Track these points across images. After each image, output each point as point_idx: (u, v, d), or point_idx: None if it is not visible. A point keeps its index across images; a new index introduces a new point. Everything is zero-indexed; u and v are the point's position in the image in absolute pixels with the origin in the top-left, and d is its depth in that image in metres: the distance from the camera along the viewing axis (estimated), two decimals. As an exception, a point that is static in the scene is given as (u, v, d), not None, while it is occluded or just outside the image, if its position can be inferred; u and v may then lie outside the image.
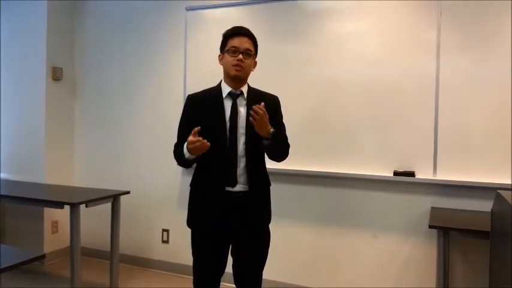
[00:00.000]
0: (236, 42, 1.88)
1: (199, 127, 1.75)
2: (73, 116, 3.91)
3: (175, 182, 3.47)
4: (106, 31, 3.77)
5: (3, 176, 3.73)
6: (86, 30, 3.85)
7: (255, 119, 1.73)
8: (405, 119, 2.73)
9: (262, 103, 1.75)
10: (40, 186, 3.44)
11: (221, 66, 1.97)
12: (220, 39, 1.97)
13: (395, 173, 2.74)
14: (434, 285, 2.48)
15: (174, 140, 3.67)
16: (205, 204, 1.92)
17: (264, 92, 2.02)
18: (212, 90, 1.97)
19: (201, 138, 1.72)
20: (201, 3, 3.30)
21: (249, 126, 1.85)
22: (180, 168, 3.39)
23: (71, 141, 3.90)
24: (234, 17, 3.15)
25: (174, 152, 2.00)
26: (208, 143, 1.73)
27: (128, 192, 3.13)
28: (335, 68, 2.90)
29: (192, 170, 2.05)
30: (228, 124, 1.87)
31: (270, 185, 2.04)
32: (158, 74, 3.54)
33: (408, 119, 2.72)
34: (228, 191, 1.87)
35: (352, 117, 2.86)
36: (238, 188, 1.88)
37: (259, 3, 3.09)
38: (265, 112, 1.74)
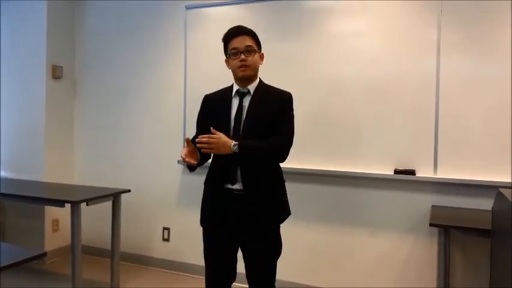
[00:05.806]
0: (235, 43, 1.90)
1: (189, 137, 1.88)
2: (73, 114, 3.90)
3: (176, 180, 3.47)
4: (106, 30, 3.76)
5: (3, 174, 3.73)
6: (86, 29, 3.85)
7: (208, 148, 1.78)
8: (405, 117, 2.72)
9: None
10: (40, 185, 3.43)
11: (224, 66, 1.98)
12: (220, 37, 1.97)
13: (396, 172, 2.74)
14: (434, 283, 2.48)
15: (175, 138, 3.68)
16: (209, 202, 1.96)
17: (274, 88, 2.01)
18: (225, 90, 2.00)
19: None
20: (201, 2, 3.29)
21: (249, 125, 1.86)
22: (180, 167, 3.40)
23: (71, 139, 3.90)
24: (234, 15, 3.14)
25: None
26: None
27: (129, 191, 3.13)
28: (335, 67, 2.89)
29: (196, 170, 2.03)
30: (232, 123, 1.89)
31: (279, 184, 2.00)
32: (158, 72, 3.54)
33: (408, 118, 2.72)
34: (228, 188, 1.88)
35: (352, 116, 2.85)
36: (238, 185, 1.88)
37: (259, 1, 3.08)
38: (208, 136, 1.77)
